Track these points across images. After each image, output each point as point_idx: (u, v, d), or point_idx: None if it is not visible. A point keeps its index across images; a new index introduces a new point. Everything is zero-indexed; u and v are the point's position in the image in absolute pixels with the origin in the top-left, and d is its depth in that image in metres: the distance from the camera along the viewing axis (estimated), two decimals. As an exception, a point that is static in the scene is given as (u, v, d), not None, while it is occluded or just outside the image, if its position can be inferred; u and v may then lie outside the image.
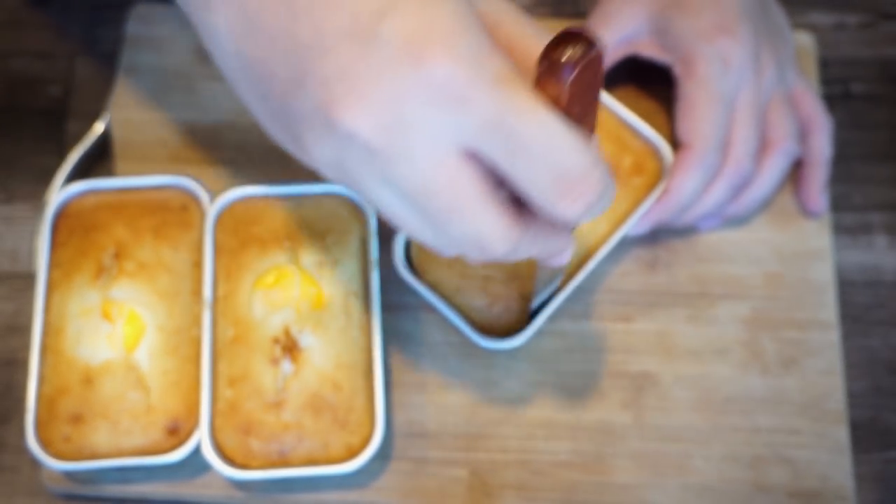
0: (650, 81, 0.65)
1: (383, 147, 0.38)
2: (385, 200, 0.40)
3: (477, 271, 0.57)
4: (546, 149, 0.37)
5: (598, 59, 0.37)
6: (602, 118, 0.61)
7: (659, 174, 0.60)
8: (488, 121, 0.37)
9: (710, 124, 0.58)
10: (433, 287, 0.58)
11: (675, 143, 0.60)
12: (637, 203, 0.60)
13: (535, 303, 0.56)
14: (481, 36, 0.38)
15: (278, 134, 0.43)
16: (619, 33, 0.62)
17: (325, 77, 0.38)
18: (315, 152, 0.40)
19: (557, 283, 0.56)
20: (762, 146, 0.61)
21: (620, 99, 0.62)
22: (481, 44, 0.37)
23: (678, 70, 0.60)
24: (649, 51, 0.62)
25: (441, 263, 0.58)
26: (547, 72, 0.37)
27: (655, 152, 0.61)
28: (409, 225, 0.41)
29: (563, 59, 0.36)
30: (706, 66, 0.58)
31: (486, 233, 0.40)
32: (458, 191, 0.39)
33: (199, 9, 0.42)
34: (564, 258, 0.46)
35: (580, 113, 0.39)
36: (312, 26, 0.38)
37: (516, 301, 0.57)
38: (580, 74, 0.37)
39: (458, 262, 0.57)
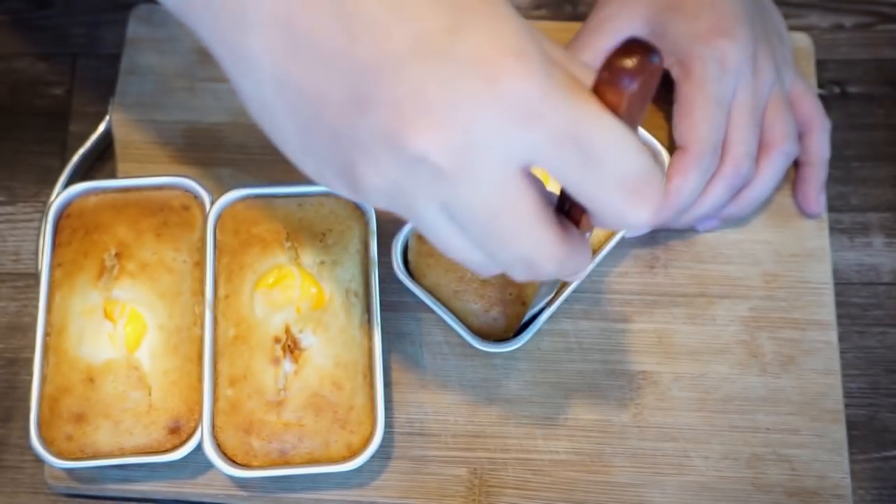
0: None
1: (453, 169, 0.36)
2: (439, 225, 0.39)
3: (475, 275, 0.58)
4: (618, 156, 0.37)
5: (658, 70, 0.37)
6: None
7: (657, 176, 0.61)
8: (562, 132, 0.36)
9: (707, 126, 0.58)
10: (431, 290, 0.58)
11: (673, 146, 0.61)
12: (635, 205, 0.60)
13: (531, 312, 0.57)
14: (545, 49, 0.37)
15: (320, 165, 0.41)
16: (616, 37, 0.62)
17: (394, 99, 0.36)
18: (372, 179, 0.38)
19: (552, 293, 0.57)
20: (760, 147, 0.61)
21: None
22: (547, 57, 0.36)
23: (675, 73, 0.60)
24: None
25: (439, 267, 0.58)
26: (608, 80, 0.37)
27: (653, 156, 0.61)
28: (460, 249, 0.40)
29: (628, 67, 0.36)
30: (703, 67, 0.58)
31: (541, 253, 0.39)
32: (521, 212, 0.38)
33: (230, 31, 0.39)
34: (585, 272, 0.44)
35: (633, 122, 0.39)
36: (375, 47, 0.36)
37: (513, 305, 0.58)
38: (642, 84, 0.36)
39: (455, 267, 0.58)
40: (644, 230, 0.61)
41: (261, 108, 0.41)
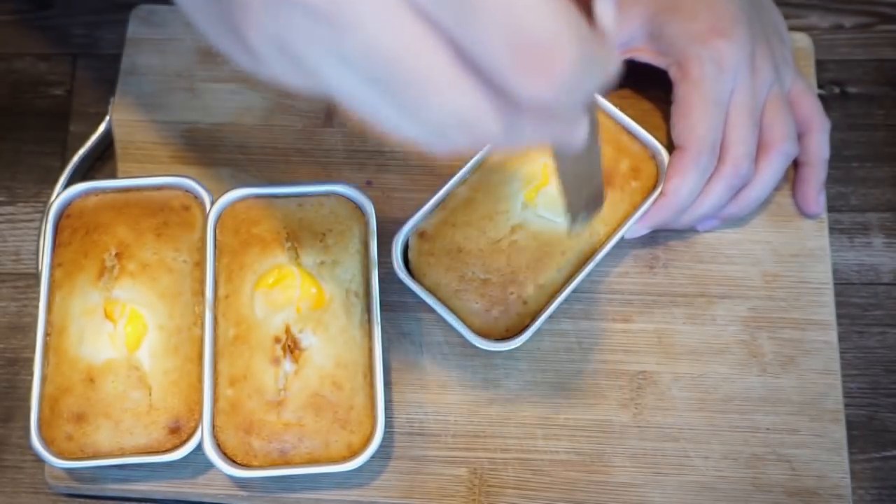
0: (647, 85, 0.65)
1: (328, 9, 0.32)
2: (345, 83, 0.34)
3: (476, 274, 0.58)
4: (500, 7, 0.30)
5: None
6: (600, 121, 0.62)
7: (656, 178, 0.61)
8: None
9: (704, 126, 0.58)
10: (431, 290, 0.58)
11: (672, 146, 0.61)
12: (634, 206, 0.60)
13: (578, 216, 0.47)
14: None
15: (219, 33, 0.37)
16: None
17: None
18: (256, 37, 0.34)
19: (597, 179, 0.47)
20: (760, 147, 0.61)
21: (617, 103, 0.62)
22: None
23: (673, 73, 0.60)
24: (645, 55, 0.62)
25: (439, 266, 0.58)
26: None
27: (653, 156, 0.61)
28: (379, 111, 0.34)
29: None
30: (700, 68, 0.59)
31: (469, 107, 0.33)
32: (421, 55, 0.32)
33: None
34: (577, 138, 0.37)
35: None
36: None
37: (514, 304, 0.58)
38: None
39: (456, 266, 0.58)
40: (642, 232, 0.61)
41: None
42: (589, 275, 0.59)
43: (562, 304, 0.58)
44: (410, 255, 0.59)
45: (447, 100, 0.32)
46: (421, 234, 0.59)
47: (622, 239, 0.60)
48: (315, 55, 0.33)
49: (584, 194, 0.46)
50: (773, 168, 0.61)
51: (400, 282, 0.58)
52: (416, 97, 0.33)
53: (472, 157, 0.60)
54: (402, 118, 0.34)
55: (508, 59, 0.31)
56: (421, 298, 0.58)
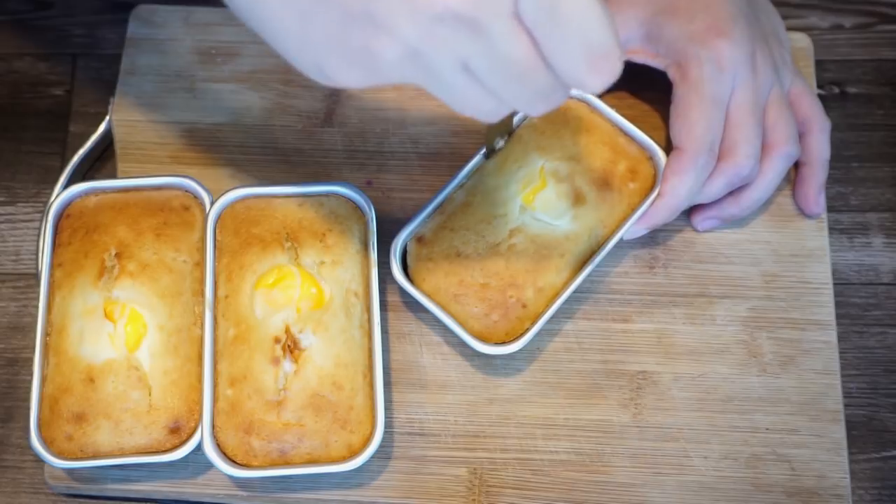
0: (644, 87, 0.65)
1: (473, 16, 0.39)
2: (457, 83, 0.42)
3: (475, 279, 0.58)
4: (582, 21, 0.40)
5: None
6: (597, 123, 0.62)
7: (654, 179, 0.61)
8: None
9: (702, 126, 0.58)
10: (431, 295, 0.58)
11: (671, 147, 0.61)
12: (632, 208, 0.60)
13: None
14: None
15: (325, 55, 0.43)
16: None
17: None
18: (390, 52, 0.41)
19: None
20: (762, 148, 0.61)
21: (614, 104, 0.62)
22: None
23: (672, 74, 0.60)
24: (643, 56, 0.62)
25: (438, 271, 0.58)
26: None
27: (650, 157, 0.61)
28: (474, 101, 0.43)
29: None
30: (699, 68, 0.59)
31: (547, 86, 0.42)
32: (529, 50, 0.40)
33: None
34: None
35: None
36: None
37: (513, 308, 0.58)
38: None
39: (455, 270, 0.58)
40: (641, 233, 0.61)
41: (255, 3, 0.42)
42: (588, 276, 0.59)
43: (562, 304, 0.58)
44: (409, 260, 0.59)
45: (540, 83, 0.42)
46: (419, 239, 0.59)
47: (622, 239, 0.60)
48: (441, 61, 0.41)
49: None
50: (774, 169, 0.61)
51: (400, 282, 0.59)
52: (518, 86, 0.42)
53: (468, 162, 0.60)
54: (492, 102, 0.43)
55: (584, 64, 0.41)
56: (420, 304, 0.58)
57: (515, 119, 0.61)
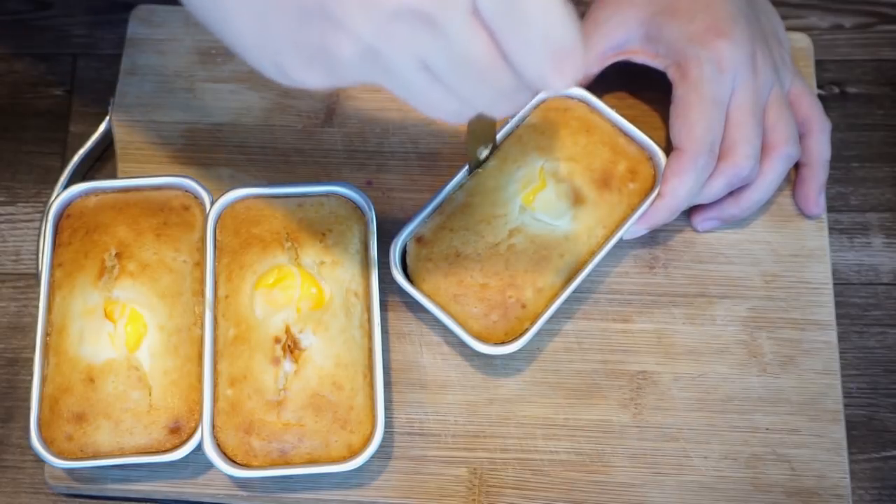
0: (644, 87, 0.65)
1: (432, 12, 0.38)
2: (417, 82, 0.41)
3: (474, 279, 0.58)
4: (542, 18, 0.39)
5: None
6: (597, 123, 0.62)
7: (653, 179, 0.61)
8: None
9: (702, 126, 0.58)
10: (430, 295, 0.58)
11: (670, 147, 0.61)
12: (632, 208, 0.60)
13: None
14: None
15: (282, 55, 0.42)
16: (610, 40, 0.62)
17: None
18: (347, 50, 0.40)
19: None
20: (763, 149, 0.61)
21: (614, 105, 0.62)
22: None
23: (672, 74, 0.60)
24: (642, 57, 0.62)
25: (438, 272, 0.58)
26: None
27: (650, 158, 0.61)
28: (437, 102, 0.43)
29: None
30: (699, 68, 0.59)
31: (508, 87, 0.42)
32: (489, 48, 0.40)
33: None
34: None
35: None
36: None
37: (512, 308, 0.58)
38: None
39: (455, 271, 0.58)
40: (641, 233, 0.61)
41: (211, 4, 0.42)
42: (588, 276, 0.59)
43: (562, 304, 0.58)
44: (409, 260, 0.59)
45: (495, 85, 0.41)
46: (419, 240, 0.59)
47: (622, 239, 0.60)
48: (399, 59, 0.40)
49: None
50: (775, 170, 0.61)
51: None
52: (477, 85, 0.41)
53: (467, 163, 0.60)
54: (454, 103, 0.42)
55: (545, 63, 0.40)
56: (420, 304, 0.58)
57: (514, 120, 0.61)
